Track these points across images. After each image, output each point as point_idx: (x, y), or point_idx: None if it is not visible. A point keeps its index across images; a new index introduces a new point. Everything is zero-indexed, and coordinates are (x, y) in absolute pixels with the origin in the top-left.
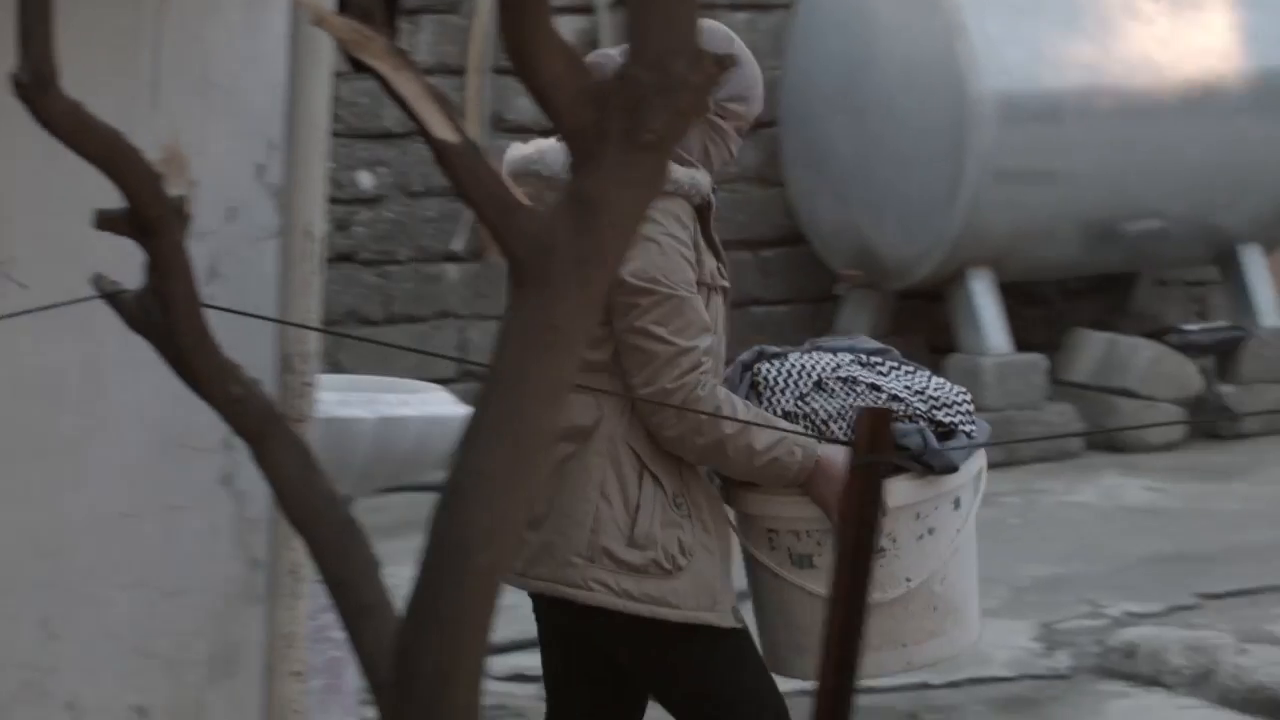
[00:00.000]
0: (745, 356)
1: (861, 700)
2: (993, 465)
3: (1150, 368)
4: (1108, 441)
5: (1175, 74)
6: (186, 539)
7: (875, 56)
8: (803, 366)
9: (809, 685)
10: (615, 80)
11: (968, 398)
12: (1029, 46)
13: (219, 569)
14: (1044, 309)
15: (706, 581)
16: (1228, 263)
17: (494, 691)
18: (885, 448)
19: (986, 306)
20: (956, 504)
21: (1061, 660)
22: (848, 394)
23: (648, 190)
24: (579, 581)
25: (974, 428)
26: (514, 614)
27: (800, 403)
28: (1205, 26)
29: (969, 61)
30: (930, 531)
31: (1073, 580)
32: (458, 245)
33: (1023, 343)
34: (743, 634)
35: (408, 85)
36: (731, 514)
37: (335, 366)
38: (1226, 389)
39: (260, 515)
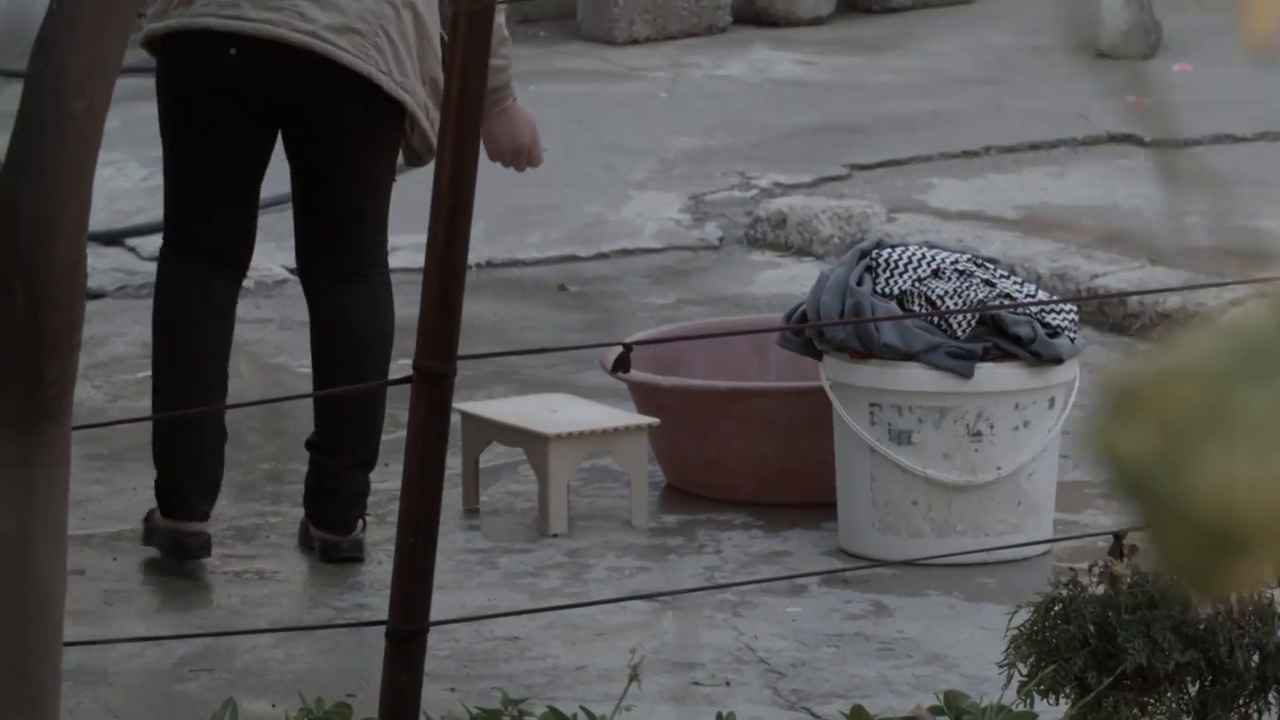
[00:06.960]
0: (864, 245)
1: (512, 273)
2: (638, 41)
3: None
4: (756, 15)
5: None
6: None
7: None
8: (923, 255)
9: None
10: None
11: (1074, 311)
12: None
13: None
14: None
15: None
16: None
17: None
18: None
19: None
20: (1051, 403)
21: (711, 231)
22: (962, 283)
23: None
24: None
25: (1079, 337)
26: None
27: (918, 284)
28: None
29: None
30: (1025, 424)
31: (720, 152)
32: None
33: None
34: None
35: None
36: (830, 386)
37: None
38: None
39: None
